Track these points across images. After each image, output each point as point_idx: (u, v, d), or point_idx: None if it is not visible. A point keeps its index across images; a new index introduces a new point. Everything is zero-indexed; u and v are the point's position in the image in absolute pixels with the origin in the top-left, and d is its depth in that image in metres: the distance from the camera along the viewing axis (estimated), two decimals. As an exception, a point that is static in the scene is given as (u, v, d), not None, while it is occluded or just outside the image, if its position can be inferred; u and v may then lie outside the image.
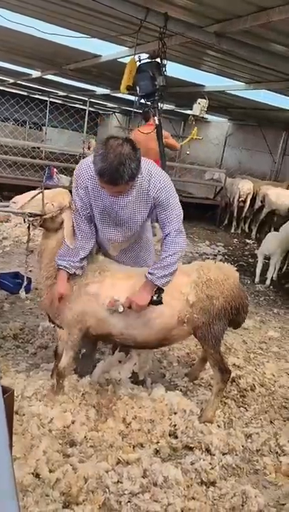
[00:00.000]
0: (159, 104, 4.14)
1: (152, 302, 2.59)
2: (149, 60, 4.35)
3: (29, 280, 4.34)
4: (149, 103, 4.16)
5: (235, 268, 2.97)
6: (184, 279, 2.75)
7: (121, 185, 2.32)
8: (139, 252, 2.91)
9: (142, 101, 4.43)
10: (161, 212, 2.58)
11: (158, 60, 4.31)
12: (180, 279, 2.73)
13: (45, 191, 2.62)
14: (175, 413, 2.82)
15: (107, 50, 6.91)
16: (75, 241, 2.66)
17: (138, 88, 4.28)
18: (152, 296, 2.59)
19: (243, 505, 2.20)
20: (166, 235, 2.61)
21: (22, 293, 2.88)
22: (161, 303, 2.61)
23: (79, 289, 2.71)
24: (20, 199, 2.54)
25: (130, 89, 4.51)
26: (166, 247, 2.60)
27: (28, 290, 4.42)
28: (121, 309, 2.59)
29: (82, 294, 2.70)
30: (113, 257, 2.86)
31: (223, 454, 2.60)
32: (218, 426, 2.86)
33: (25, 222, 2.59)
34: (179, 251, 2.60)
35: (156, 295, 2.59)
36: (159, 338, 2.79)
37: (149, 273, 2.58)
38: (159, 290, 2.60)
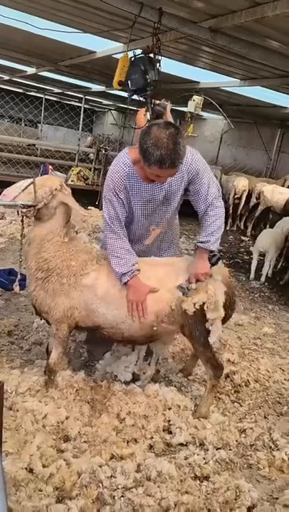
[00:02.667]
0: (151, 99, 4.11)
1: (212, 265, 2.73)
2: (141, 55, 4.32)
3: (24, 276, 4.32)
4: (141, 98, 4.12)
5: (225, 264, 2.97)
6: (170, 276, 2.75)
7: (179, 165, 2.40)
8: (165, 240, 3.04)
9: (135, 97, 4.40)
10: (197, 181, 2.65)
11: (151, 54, 4.28)
12: (163, 274, 2.74)
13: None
14: (169, 408, 2.83)
15: (102, 46, 6.87)
16: (121, 250, 2.66)
17: (129, 82, 4.24)
18: (210, 261, 2.73)
19: (236, 499, 2.21)
20: (210, 203, 2.66)
21: (16, 287, 2.86)
22: (218, 260, 2.77)
23: (74, 282, 2.68)
24: (11, 190, 2.52)
25: (122, 85, 4.48)
26: (211, 212, 2.68)
27: (23, 286, 4.40)
28: (194, 286, 2.67)
29: (77, 286, 2.68)
30: (141, 248, 2.90)
31: (217, 449, 2.61)
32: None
33: (18, 214, 2.57)
34: (222, 214, 2.72)
35: (214, 258, 2.74)
36: (145, 335, 2.78)
37: (201, 242, 2.69)
38: (214, 254, 2.74)
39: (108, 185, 2.62)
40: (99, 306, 2.70)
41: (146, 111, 3.87)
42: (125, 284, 2.65)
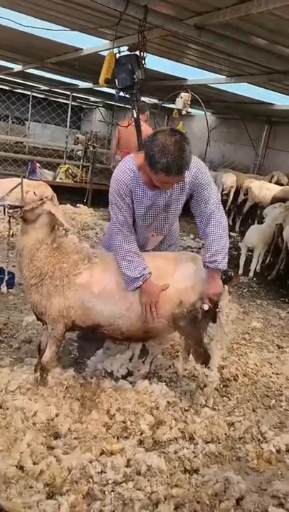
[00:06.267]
0: (138, 97, 4.12)
1: (224, 283, 2.68)
2: (128, 53, 4.32)
3: (12, 275, 4.32)
4: (128, 96, 4.14)
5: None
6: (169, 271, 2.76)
7: (185, 172, 2.39)
8: (164, 243, 3.03)
9: (122, 94, 4.42)
10: (201, 192, 2.62)
11: (137, 52, 4.29)
12: (163, 269, 2.75)
13: (27, 181, 2.60)
14: (157, 408, 2.84)
15: (88, 43, 6.87)
16: (131, 253, 2.64)
17: (116, 81, 4.26)
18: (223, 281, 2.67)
19: (225, 491, 2.22)
20: (210, 213, 2.62)
21: (4, 288, 2.86)
22: (232, 277, 2.71)
23: (68, 283, 2.69)
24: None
25: (109, 82, 4.49)
26: (215, 226, 2.61)
27: (11, 285, 4.40)
28: (206, 307, 2.66)
29: (71, 286, 2.69)
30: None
31: (206, 443, 2.64)
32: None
33: (5, 214, 2.56)
34: (225, 229, 2.65)
35: (223, 276, 2.67)
36: (142, 330, 2.80)
37: (209, 262, 2.62)
38: (225, 271, 2.67)
39: (114, 190, 2.61)
40: (95, 303, 2.71)
41: (132, 108, 3.90)
42: (137, 288, 2.66)
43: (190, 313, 2.74)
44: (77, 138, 14.34)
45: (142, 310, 2.69)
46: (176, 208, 2.76)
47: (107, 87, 4.74)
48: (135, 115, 3.50)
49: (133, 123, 4.31)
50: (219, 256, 2.60)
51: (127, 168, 2.59)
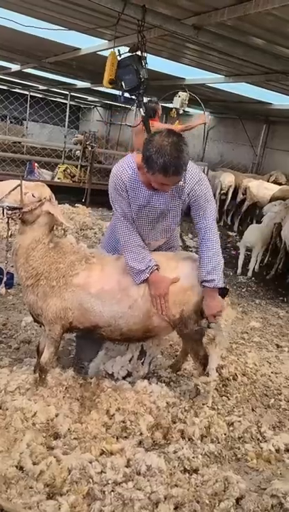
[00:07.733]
0: (143, 97, 4.13)
1: (222, 297, 2.70)
2: (130, 54, 4.32)
3: (11, 275, 4.32)
4: (133, 97, 4.14)
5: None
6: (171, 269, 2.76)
7: (183, 172, 2.39)
8: (163, 248, 3.00)
9: (127, 95, 4.41)
10: (198, 206, 2.64)
11: (138, 53, 4.29)
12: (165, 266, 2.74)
13: (26, 182, 2.59)
14: (158, 404, 2.85)
15: (86, 43, 6.87)
16: (136, 246, 2.66)
17: (123, 83, 4.25)
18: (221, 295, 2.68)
19: (224, 491, 2.24)
20: (206, 229, 2.64)
21: (2, 289, 2.85)
22: (228, 290, 2.75)
23: (64, 284, 2.68)
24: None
25: (113, 83, 4.48)
26: (210, 242, 2.63)
27: (10, 285, 4.40)
28: (214, 326, 2.73)
29: (68, 287, 2.68)
30: None
31: (206, 443, 2.64)
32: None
33: (4, 215, 2.56)
34: (218, 248, 2.65)
35: (221, 291, 2.68)
36: (143, 329, 2.80)
37: (206, 281, 2.61)
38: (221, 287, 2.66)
39: (111, 185, 2.65)
40: (94, 304, 2.70)
41: (139, 108, 3.90)
42: (144, 281, 2.67)
43: (191, 313, 2.74)
44: (76, 137, 14.32)
45: (152, 302, 2.68)
46: (174, 215, 2.75)
47: (111, 88, 4.71)
48: (144, 114, 3.50)
49: (142, 122, 4.30)
50: (216, 274, 2.60)
51: (125, 165, 2.62)
